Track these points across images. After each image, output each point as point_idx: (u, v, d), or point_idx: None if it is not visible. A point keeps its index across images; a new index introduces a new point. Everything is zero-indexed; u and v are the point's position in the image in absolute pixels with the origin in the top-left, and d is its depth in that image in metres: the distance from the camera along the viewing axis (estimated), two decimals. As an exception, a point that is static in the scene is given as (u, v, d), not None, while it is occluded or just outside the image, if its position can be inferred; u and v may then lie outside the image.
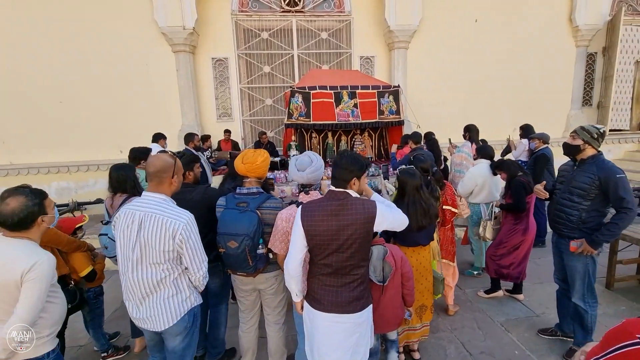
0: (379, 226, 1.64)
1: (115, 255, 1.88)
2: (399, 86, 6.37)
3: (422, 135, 4.92)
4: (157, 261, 1.65)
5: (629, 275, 3.51)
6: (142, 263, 1.65)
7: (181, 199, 1.86)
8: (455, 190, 3.36)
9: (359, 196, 1.69)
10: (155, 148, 4.65)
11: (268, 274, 2.07)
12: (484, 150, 3.46)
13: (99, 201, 6.15)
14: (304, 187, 1.95)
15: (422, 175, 2.43)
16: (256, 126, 7.87)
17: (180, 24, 6.68)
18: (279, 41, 7.58)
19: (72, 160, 6.81)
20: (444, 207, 2.73)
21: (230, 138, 7.03)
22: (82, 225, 2.51)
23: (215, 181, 5.95)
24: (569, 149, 2.35)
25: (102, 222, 2.64)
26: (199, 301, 1.83)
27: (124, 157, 6.84)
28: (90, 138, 6.90)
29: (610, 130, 8.28)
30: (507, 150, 5.34)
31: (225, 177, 2.56)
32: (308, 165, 1.92)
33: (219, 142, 7.07)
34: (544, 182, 2.50)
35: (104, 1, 6.66)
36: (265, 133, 6.78)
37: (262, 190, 2.01)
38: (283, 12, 7.45)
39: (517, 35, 7.95)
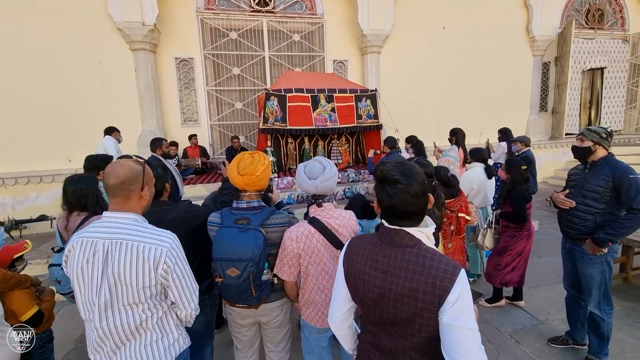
0: (444, 315, 0.94)
1: (72, 292, 1.44)
2: (376, 90, 6.26)
3: (406, 139, 4.81)
4: (134, 301, 1.24)
5: (614, 274, 3.58)
6: (113, 307, 1.24)
7: (159, 220, 1.47)
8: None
9: (434, 246, 1.06)
10: (110, 143, 4.09)
11: (272, 304, 1.72)
12: (478, 154, 3.37)
13: (42, 218, 5.31)
14: (316, 198, 1.63)
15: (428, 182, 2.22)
16: (225, 131, 7.37)
17: (139, 20, 6.06)
18: (249, 42, 7.19)
19: (9, 172, 5.86)
20: (459, 214, 2.55)
21: (198, 143, 6.47)
22: (22, 255, 1.98)
23: (188, 192, 5.39)
24: (579, 152, 2.26)
25: (52, 249, 2.12)
26: (187, 343, 1.44)
27: (73, 167, 6.09)
28: (32, 146, 6.00)
29: (566, 134, 8.86)
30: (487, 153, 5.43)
31: (220, 191, 2.07)
32: (320, 172, 1.61)
33: (185, 149, 6.49)
34: (566, 190, 2.38)
35: (47, -10, 5.87)
36: (237, 137, 6.33)
37: (264, 204, 1.66)
38: (253, 11, 7.09)
39: (481, 43, 8.27)
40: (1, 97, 5.84)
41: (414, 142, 4.61)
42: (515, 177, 2.86)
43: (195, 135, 6.44)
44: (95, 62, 6.25)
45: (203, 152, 6.45)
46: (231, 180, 1.64)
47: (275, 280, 1.65)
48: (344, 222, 1.60)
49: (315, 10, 7.41)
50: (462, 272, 0.96)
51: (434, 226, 1.06)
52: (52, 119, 6.07)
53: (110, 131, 4.27)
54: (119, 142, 4.34)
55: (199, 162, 6.05)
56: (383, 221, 1.08)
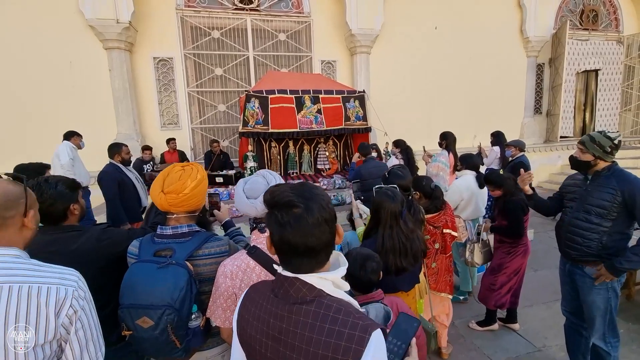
0: None
1: None
2: (364, 91, 5.97)
3: (394, 143, 4.50)
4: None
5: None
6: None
7: (57, 252, 1.14)
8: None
9: (342, 294, 0.77)
10: (63, 149, 3.73)
11: (209, 352, 1.39)
12: (469, 160, 3.07)
13: None
14: (258, 222, 1.32)
15: (403, 197, 1.92)
16: (208, 135, 7.03)
17: (112, 17, 5.73)
18: (232, 41, 6.88)
19: None
20: (445, 230, 2.24)
21: (177, 148, 6.12)
22: None
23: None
24: (577, 165, 1.98)
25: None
26: None
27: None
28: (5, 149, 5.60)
29: (561, 137, 8.63)
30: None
31: (151, 208, 1.73)
32: (263, 189, 1.29)
33: (163, 154, 6.14)
34: (530, 172, 2.30)
35: (13, -16, 5.51)
36: (217, 141, 5.98)
37: (197, 228, 1.33)
38: (236, 9, 6.77)
39: (474, 43, 8.03)
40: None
41: (402, 147, 4.31)
42: (509, 187, 2.56)
43: (174, 139, 6.09)
44: (66, 61, 5.89)
45: (182, 157, 6.09)
46: (152, 199, 1.31)
47: (213, 323, 1.33)
48: None
49: (302, 8, 7.12)
50: (376, 334, 0.68)
51: (345, 267, 0.79)
52: (19, 121, 5.70)
53: (69, 136, 3.92)
54: (79, 148, 3.98)
55: (177, 168, 5.69)
56: (279, 268, 0.79)
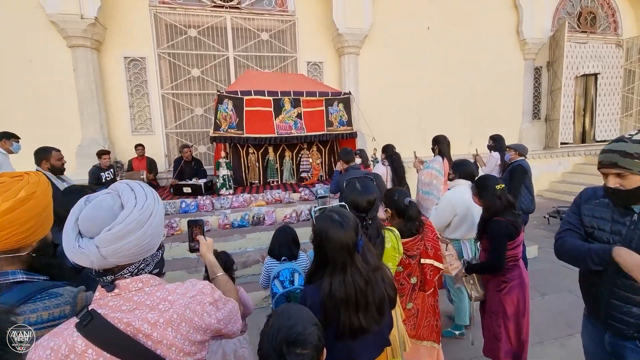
0: None
1: None
2: (350, 93, 5.51)
3: (382, 149, 4.01)
4: None
5: None
6: None
7: None
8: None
9: None
10: None
11: None
12: (462, 167, 2.54)
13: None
14: (103, 275, 0.79)
15: (358, 220, 1.37)
16: (184, 140, 6.51)
17: (76, 12, 5.26)
18: (211, 40, 6.42)
19: None
20: (423, 260, 1.73)
21: (145, 155, 5.60)
22: None
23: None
24: (627, 197, 1.31)
25: None
26: None
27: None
28: None
29: (561, 144, 8.21)
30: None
31: None
32: (109, 218, 0.76)
33: (130, 160, 5.61)
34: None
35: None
36: (188, 146, 5.45)
37: (18, 278, 0.82)
38: (214, 6, 6.33)
39: (469, 45, 7.64)
40: None
41: (389, 153, 3.81)
42: (490, 202, 1.97)
43: (141, 145, 5.57)
44: (25, 59, 5.39)
45: (151, 165, 5.56)
46: None
47: None
48: (171, 314, 0.76)
49: (286, 7, 6.70)
50: None
51: None
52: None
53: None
54: (11, 152, 3.45)
55: (144, 177, 5.16)
56: None
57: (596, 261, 1.33)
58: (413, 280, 1.74)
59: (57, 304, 0.81)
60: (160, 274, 0.86)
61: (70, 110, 5.63)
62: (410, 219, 1.73)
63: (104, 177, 4.51)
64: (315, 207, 1.45)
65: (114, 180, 4.73)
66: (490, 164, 4.22)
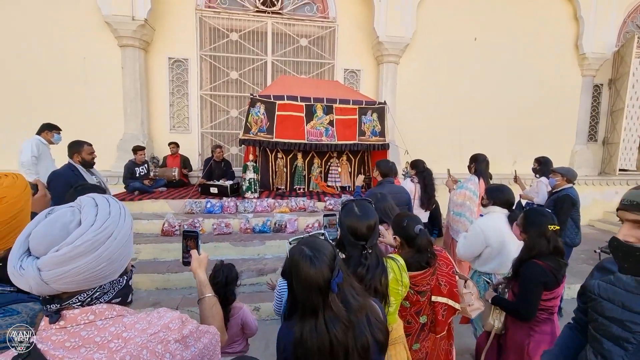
0: None
1: None
2: (385, 103, 5.31)
3: (411, 164, 3.76)
4: None
5: None
6: None
7: None
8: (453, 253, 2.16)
9: None
10: (27, 146, 3.37)
11: None
12: (498, 193, 2.24)
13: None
14: (47, 302, 0.68)
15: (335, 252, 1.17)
16: (217, 140, 6.66)
17: (128, 14, 5.56)
18: (251, 44, 6.53)
19: None
20: (434, 298, 1.52)
21: (179, 152, 5.77)
22: None
23: (148, 208, 4.66)
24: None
25: None
26: None
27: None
28: (10, 141, 5.52)
29: (620, 170, 7.38)
30: None
31: None
32: (61, 237, 0.66)
33: (165, 157, 5.81)
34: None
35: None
36: (220, 147, 5.54)
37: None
38: (257, 12, 6.44)
39: (519, 58, 7.14)
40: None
41: (419, 169, 3.57)
42: (535, 241, 1.69)
43: (174, 143, 5.75)
44: (80, 56, 5.80)
45: (185, 162, 5.72)
46: None
47: None
48: (123, 355, 0.66)
49: (328, 13, 6.66)
50: None
51: None
52: (27, 115, 5.61)
53: (41, 130, 3.60)
54: (52, 143, 3.65)
55: (175, 173, 5.31)
56: None
57: None
58: (422, 319, 1.53)
59: (12, 324, 0.74)
60: (124, 303, 0.76)
61: (115, 106, 5.95)
62: (420, 250, 1.52)
63: (137, 172, 4.68)
64: (291, 239, 1.29)
65: (147, 175, 4.91)
66: (542, 191, 3.74)
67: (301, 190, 5.56)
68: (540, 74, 7.25)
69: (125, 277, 0.77)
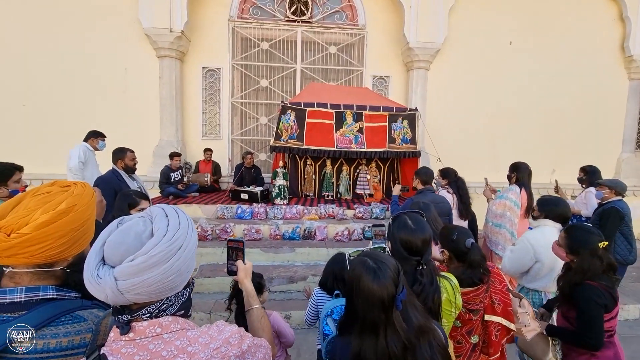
0: None
1: None
2: (416, 109, 5.20)
3: (442, 173, 3.61)
4: None
5: None
6: None
7: None
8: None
9: None
10: (75, 153, 3.56)
11: None
12: (552, 206, 2.08)
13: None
14: (118, 313, 0.69)
15: (410, 266, 1.18)
16: (247, 147, 6.78)
17: (166, 26, 5.82)
18: (281, 53, 6.64)
19: (40, 173, 5.75)
20: (487, 317, 1.43)
21: (212, 159, 5.92)
22: None
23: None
24: None
25: None
26: None
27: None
28: (52, 148, 5.89)
29: (674, 181, 6.81)
30: None
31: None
32: (135, 247, 0.67)
33: (198, 162, 5.98)
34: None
35: (82, -6, 5.92)
36: (251, 153, 5.63)
37: (48, 294, 0.78)
38: (287, 21, 6.56)
39: (559, 62, 6.80)
40: (32, 101, 5.92)
41: (451, 178, 3.43)
42: (588, 263, 1.54)
43: (210, 149, 5.91)
44: (121, 67, 6.12)
45: (216, 169, 5.86)
46: None
47: None
48: None
49: (357, 20, 6.67)
50: None
51: None
52: (75, 124, 5.97)
53: (88, 137, 3.80)
54: (97, 149, 3.84)
55: (208, 179, 5.45)
56: None
57: None
58: (474, 339, 1.44)
59: (79, 331, 0.75)
60: (185, 316, 0.75)
61: (152, 114, 6.20)
62: (472, 265, 1.42)
63: (172, 177, 4.84)
64: (350, 250, 1.23)
65: (181, 180, 5.06)
66: (591, 203, 3.45)
67: (329, 197, 5.53)
68: (583, 78, 6.86)
69: (188, 290, 0.76)
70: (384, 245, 1.17)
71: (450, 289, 1.30)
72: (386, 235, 1.70)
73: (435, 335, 0.97)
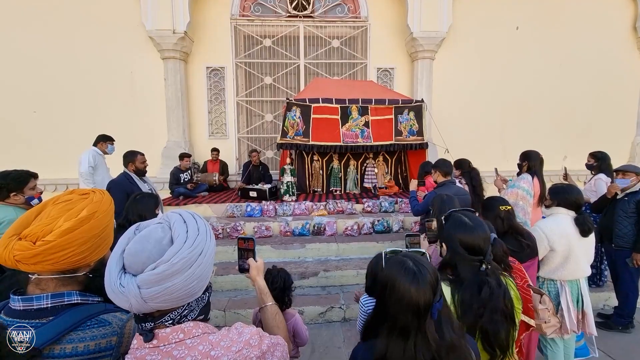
0: None
1: None
2: (422, 100, 5.15)
3: (455, 164, 3.58)
4: None
5: None
6: None
7: None
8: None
9: None
10: (85, 157, 3.61)
11: None
12: (564, 194, 2.07)
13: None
14: (144, 320, 0.71)
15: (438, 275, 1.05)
16: (254, 145, 6.80)
17: (169, 28, 5.84)
18: (284, 49, 6.62)
19: (53, 178, 5.87)
20: None
21: (219, 158, 5.96)
22: None
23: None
24: None
25: None
26: None
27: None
28: (68, 152, 5.98)
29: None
30: None
31: None
32: (156, 254, 0.68)
33: (206, 162, 6.03)
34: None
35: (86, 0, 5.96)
36: (257, 151, 5.65)
37: (73, 300, 0.80)
38: (289, 17, 6.52)
39: (569, 46, 6.65)
40: (42, 108, 6.01)
41: (465, 169, 3.40)
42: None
43: (217, 150, 5.95)
44: (127, 71, 6.17)
45: (223, 168, 5.90)
46: None
47: None
48: None
49: (359, 12, 6.59)
50: None
51: None
52: (83, 128, 6.05)
53: (97, 141, 3.84)
54: (106, 153, 3.89)
55: (216, 178, 5.49)
56: None
57: None
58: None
59: (105, 334, 0.78)
60: (205, 320, 0.77)
61: (159, 116, 6.26)
62: (494, 260, 1.41)
63: (182, 178, 4.89)
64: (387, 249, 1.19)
65: (190, 180, 5.11)
66: (601, 190, 3.36)
67: (337, 192, 5.53)
68: (594, 61, 6.71)
69: (207, 294, 0.78)
70: (423, 250, 1.12)
71: (512, 284, 1.25)
72: (436, 236, 1.64)
73: (466, 354, 0.92)
